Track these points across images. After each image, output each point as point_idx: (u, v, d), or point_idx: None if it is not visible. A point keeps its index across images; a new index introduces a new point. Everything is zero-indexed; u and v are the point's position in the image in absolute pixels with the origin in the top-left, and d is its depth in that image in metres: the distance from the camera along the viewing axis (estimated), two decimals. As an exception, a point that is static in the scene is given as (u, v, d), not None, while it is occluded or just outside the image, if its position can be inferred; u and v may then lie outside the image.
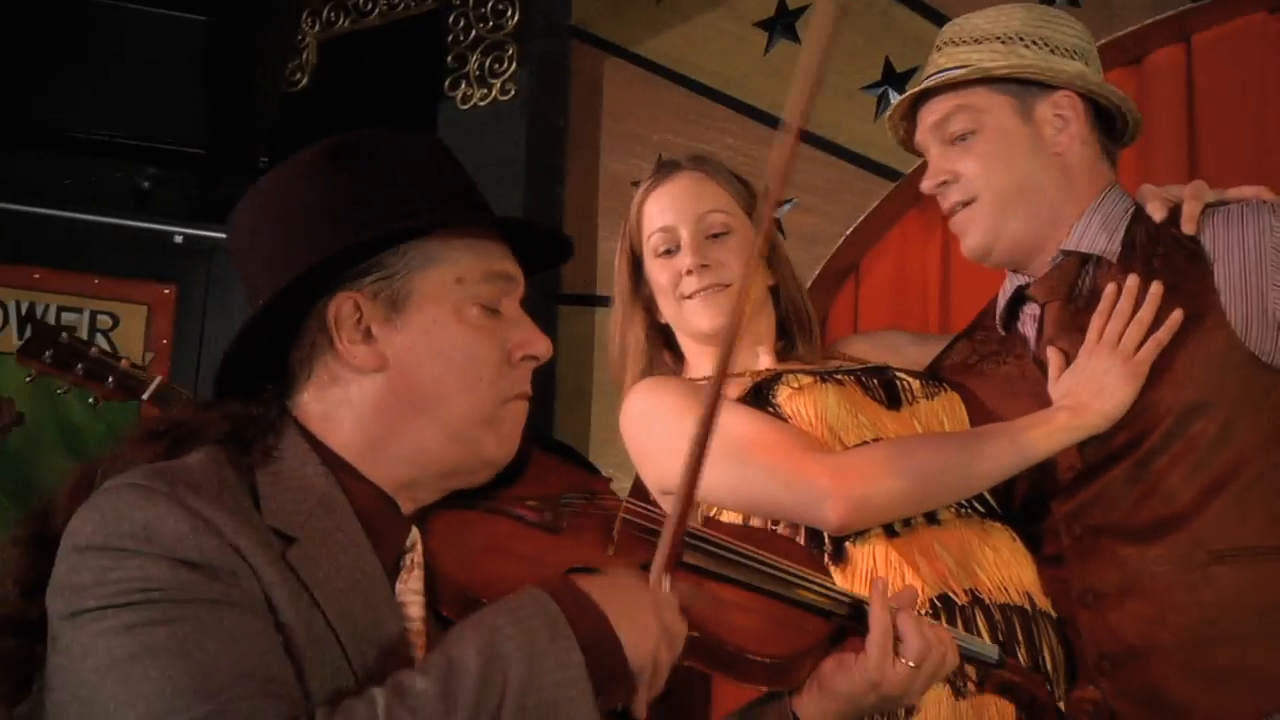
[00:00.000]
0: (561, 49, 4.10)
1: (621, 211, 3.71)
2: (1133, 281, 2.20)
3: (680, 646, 1.54)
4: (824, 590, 1.76)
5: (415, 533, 1.56)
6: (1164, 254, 2.27)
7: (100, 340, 4.19)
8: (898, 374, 2.35)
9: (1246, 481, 2.15)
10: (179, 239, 4.26)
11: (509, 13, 4.06)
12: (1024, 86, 2.29)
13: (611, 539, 1.71)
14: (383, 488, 1.53)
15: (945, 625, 1.94)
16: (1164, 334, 2.15)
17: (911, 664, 1.72)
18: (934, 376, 2.40)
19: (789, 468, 2.15)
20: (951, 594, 2.09)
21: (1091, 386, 2.18)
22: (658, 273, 2.42)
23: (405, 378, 1.53)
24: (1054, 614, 2.16)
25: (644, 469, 2.33)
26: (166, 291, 4.25)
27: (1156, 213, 2.30)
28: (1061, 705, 2.13)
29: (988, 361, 2.40)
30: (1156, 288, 2.18)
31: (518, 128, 3.97)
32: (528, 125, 3.96)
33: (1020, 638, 2.11)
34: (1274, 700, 2.09)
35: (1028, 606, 2.13)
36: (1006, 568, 2.16)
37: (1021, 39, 2.32)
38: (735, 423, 2.15)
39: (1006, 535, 2.20)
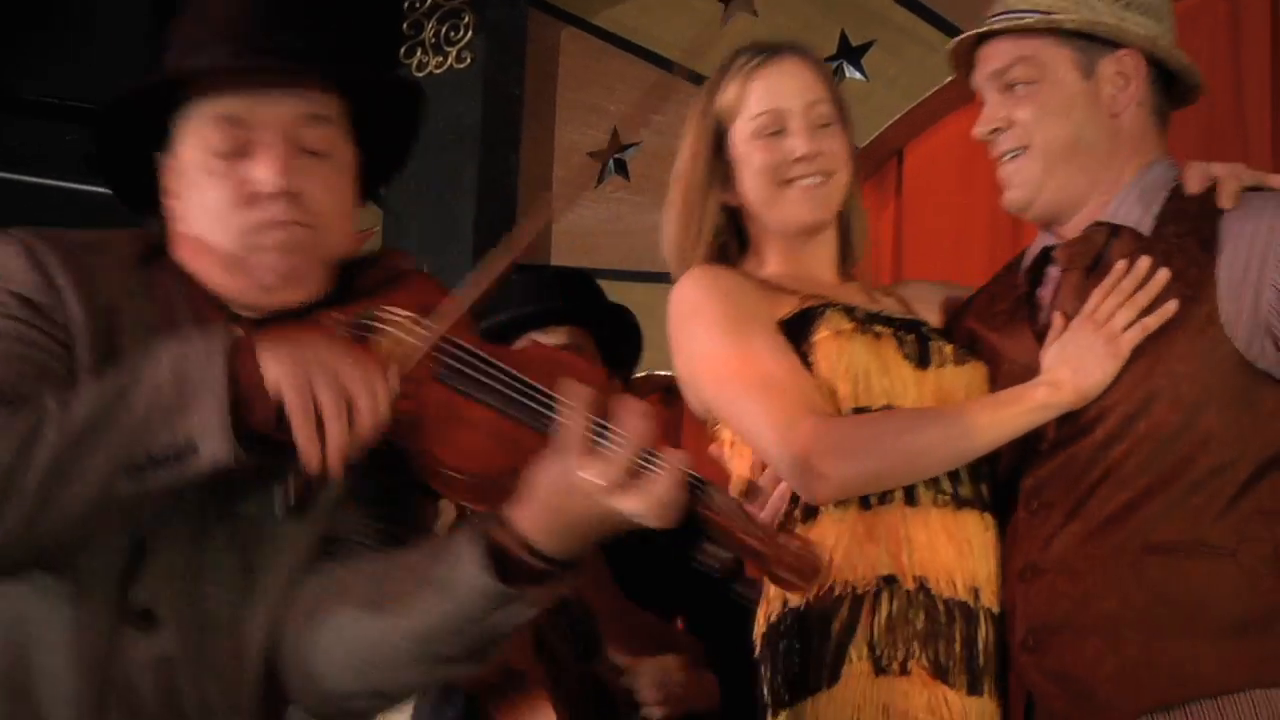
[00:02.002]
0: (518, 17, 4.08)
1: (576, 180, 3.87)
2: (1143, 263, 2.12)
3: (377, 401, 1.53)
4: (552, 404, 1.67)
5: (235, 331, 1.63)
6: (1181, 235, 2.19)
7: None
8: (934, 334, 2.29)
9: (1197, 478, 2.10)
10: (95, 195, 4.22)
11: None
12: (1090, 41, 2.18)
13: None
14: (218, 296, 1.66)
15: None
16: (1153, 321, 2.08)
17: (607, 464, 1.61)
18: (966, 344, 2.34)
19: (784, 428, 2.11)
20: (899, 577, 2.08)
21: (1072, 363, 2.14)
22: (757, 153, 2.29)
23: (183, 223, 1.65)
24: (996, 611, 2.14)
25: (675, 361, 2.27)
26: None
27: (1193, 185, 2.21)
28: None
29: (998, 319, 2.34)
30: (1162, 274, 2.11)
31: (473, 96, 3.94)
32: (483, 93, 3.94)
33: (959, 634, 2.11)
34: (1175, 693, 2.03)
35: (971, 602, 2.12)
36: (962, 560, 2.13)
37: None
38: (756, 354, 2.15)
39: (980, 525, 2.18)
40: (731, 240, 2.38)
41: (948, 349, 2.25)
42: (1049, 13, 2.18)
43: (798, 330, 2.19)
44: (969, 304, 2.40)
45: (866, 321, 2.22)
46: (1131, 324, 2.11)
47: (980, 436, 2.15)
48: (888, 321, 2.27)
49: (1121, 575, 2.09)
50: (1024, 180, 2.23)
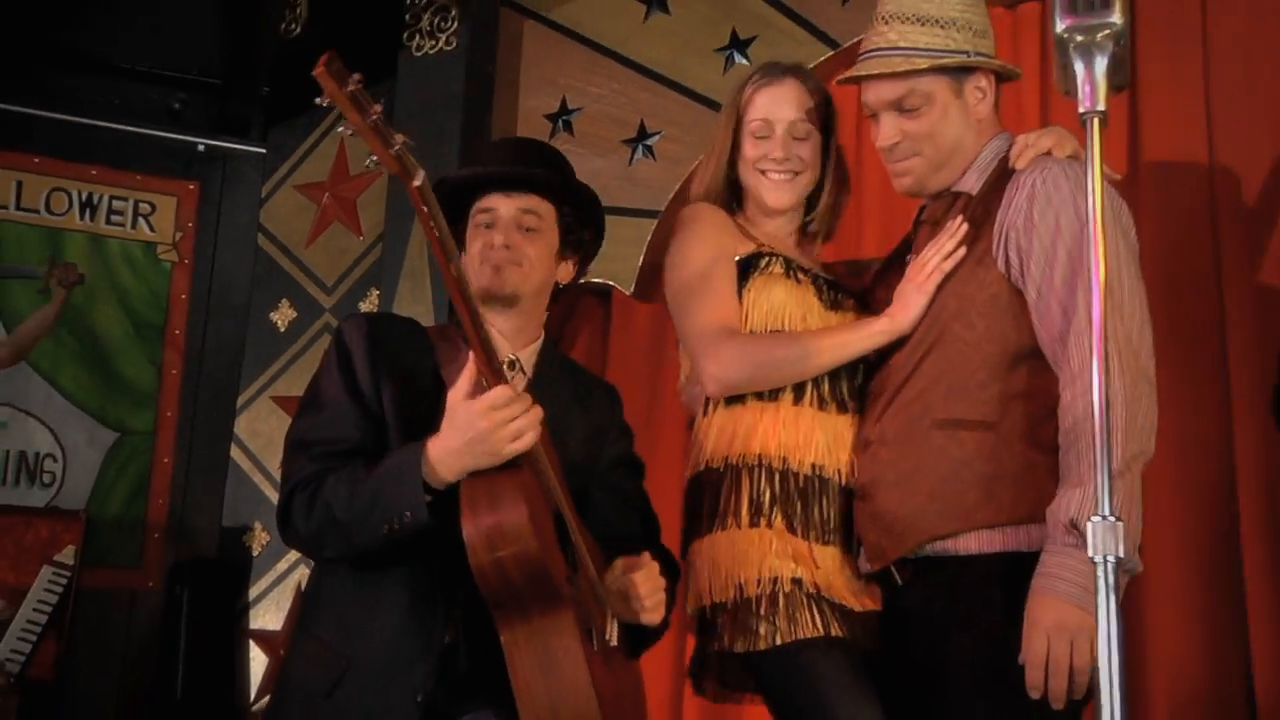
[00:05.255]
0: (492, 12, 4.19)
1: (532, 135, 3.86)
2: (957, 222, 2.27)
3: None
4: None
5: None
6: (989, 193, 2.30)
7: (141, 224, 4.39)
8: (843, 289, 2.46)
9: (970, 369, 2.22)
10: (201, 148, 4.51)
11: None
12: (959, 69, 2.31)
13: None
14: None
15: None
16: (947, 264, 2.25)
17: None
18: (866, 297, 2.48)
19: (709, 338, 2.31)
20: (768, 457, 2.27)
21: (901, 299, 2.28)
22: (750, 147, 2.48)
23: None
24: (845, 485, 2.30)
25: (665, 269, 2.46)
26: (191, 187, 4.50)
27: (1014, 154, 2.31)
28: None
29: (884, 272, 2.51)
30: (963, 228, 2.26)
31: (457, 72, 4.05)
32: (465, 70, 4.05)
33: (812, 500, 2.27)
34: (946, 527, 2.17)
35: (825, 477, 2.29)
36: (822, 445, 2.30)
37: (955, 24, 2.30)
38: (710, 273, 2.35)
39: (844, 422, 2.33)
40: (731, 196, 2.52)
41: (850, 301, 2.43)
42: (930, 50, 2.27)
43: (746, 267, 2.36)
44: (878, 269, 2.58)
45: (794, 270, 2.37)
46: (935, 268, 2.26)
47: (830, 353, 2.30)
48: (813, 276, 2.40)
49: (916, 443, 2.23)
50: (916, 175, 2.34)
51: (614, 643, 2.16)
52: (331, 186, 4.44)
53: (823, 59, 3.63)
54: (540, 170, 2.26)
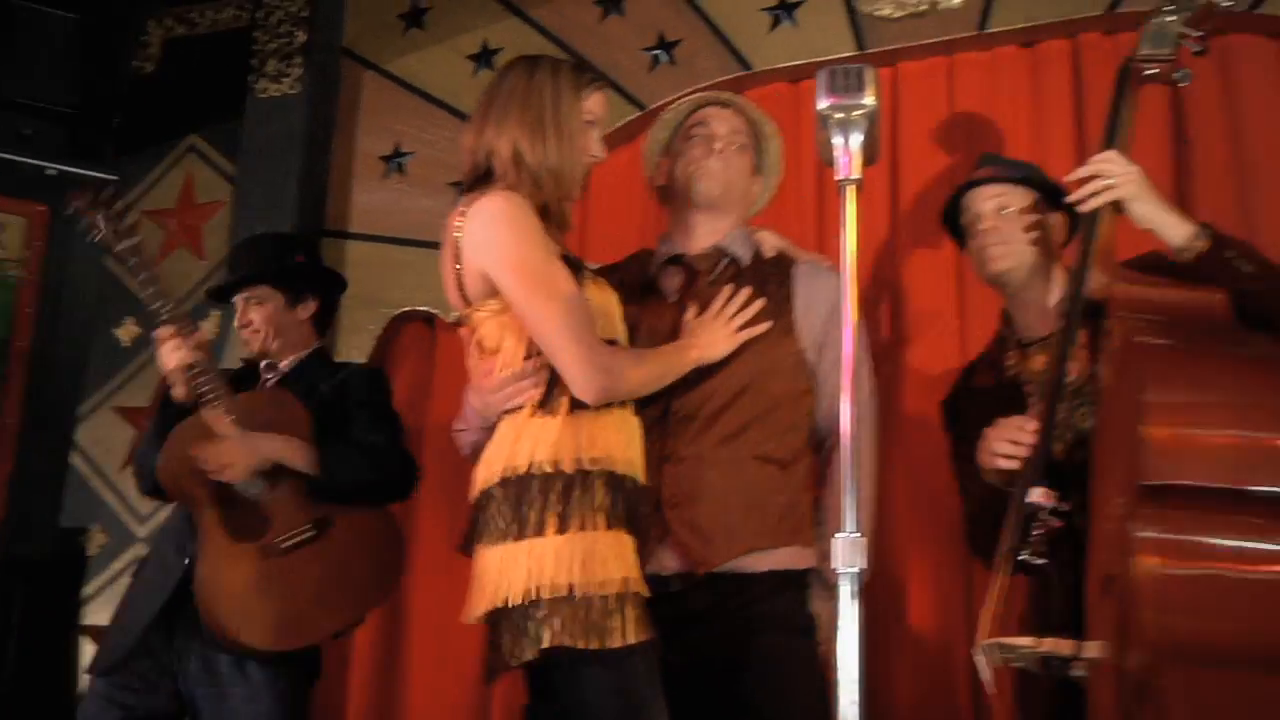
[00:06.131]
0: (334, 62, 4.31)
1: (368, 175, 4.16)
2: (746, 292, 2.50)
3: None
4: None
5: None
6: (766, 273, 2.55)
7: (-8, 239, 4.38)
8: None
9: (777, 417, 2.48)
10: (51, 172, 4.53)
11: (298, 33, 4.26)
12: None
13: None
14: None
15: None
16: (759, 330, 2.49)
17: None
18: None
19: (584, 347, 2.22)
20: (584, 459, 2.21)
21: (710, 338, 2.46)
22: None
23: None
24: (642, 482, 2.30)
25: (488, 250, 2.25)
26: (40, 209, 4.51)
27: (767, 249, 2.63)
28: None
29: (632, 289, 2.58)
30: (760, 302, 2.50)
31: (300, 115, 4.17)
32: (307, 112, 4.17)
33: (629, 496, 2.25)
34: (755, 544, 2.40)
35: (632, 476, 2.27)
36: (629, 448, 2.30)
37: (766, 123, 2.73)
38: (558, 274, 2.24)
39: (637, 425, 2.35)
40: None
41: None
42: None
43: (576, 273, 2.30)
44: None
45: (597, 274, 2.43)
46: (743, 326, 2.46)
47: (673, 375, 2.41)
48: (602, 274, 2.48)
49: (734, 468, 2.44)
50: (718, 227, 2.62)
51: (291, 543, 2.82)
52: (178, 213, 4.47)
53: (631, 118, 3.88)
54: (245, 270, 3.17)
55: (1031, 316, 2.58)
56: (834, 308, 2.46)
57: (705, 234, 2.66)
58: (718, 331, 2.48)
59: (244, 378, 3.16)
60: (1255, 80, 3.34)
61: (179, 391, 2.89)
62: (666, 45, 3.93)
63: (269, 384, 3.13)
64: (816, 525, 2.51)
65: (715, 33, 3.88)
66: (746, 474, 2.47)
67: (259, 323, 3.14)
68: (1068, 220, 2.61)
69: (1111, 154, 2.36)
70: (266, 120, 4.20)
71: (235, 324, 3.19)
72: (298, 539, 2.84)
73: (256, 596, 2.77)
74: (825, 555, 2.38)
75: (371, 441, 3.01)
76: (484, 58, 4.14)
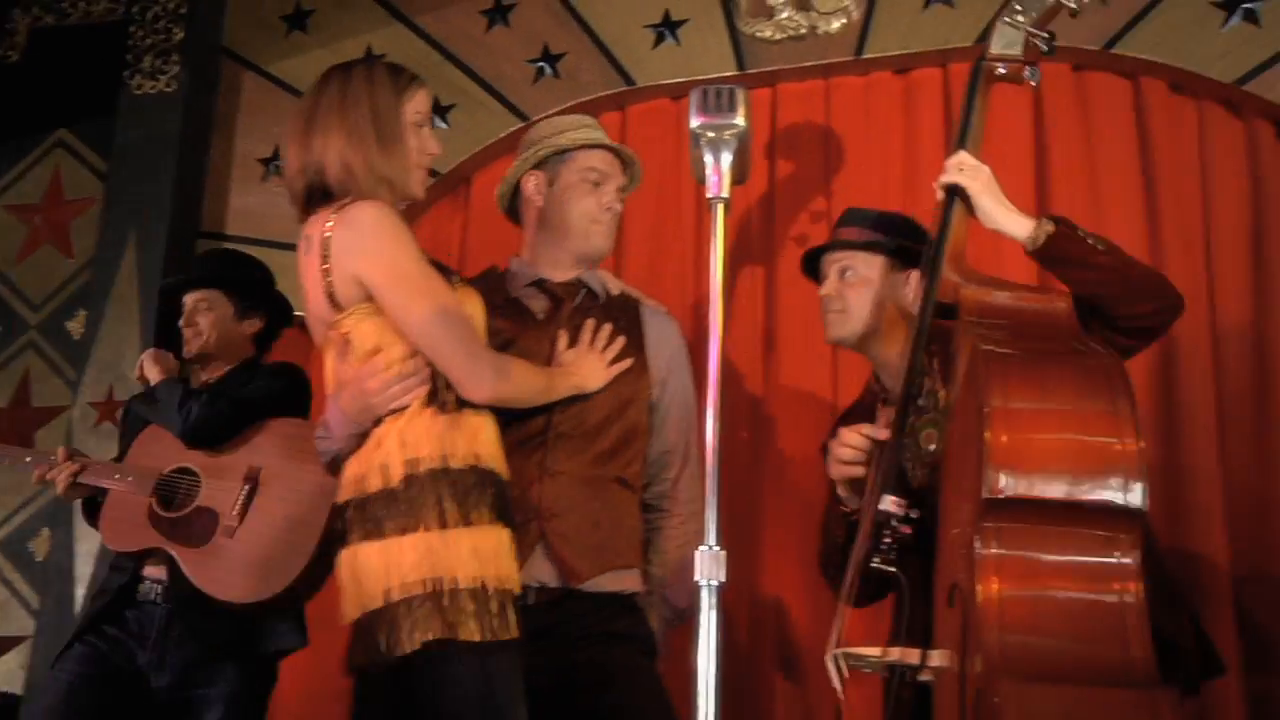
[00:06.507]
0: (213, 60, 4.28)
1: (247, 178, 4.12)
2: (609, 326, 2.61)
3: None
4: None
5: None
6: (619, 311, 2.68)
7: None
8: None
9: (634, 444, 2.61)
10: None
11: (175, 30, 4.22)
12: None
13: None
14: None
15: None
16: (624, 365, 2.59)
17: None
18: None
19: (474, 348, 2.27)
20: (457, 457, 2.22)
21: (589, 370, 2.55)
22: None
23: None
24: (507, 478, 2.30)
25: (371, 260, 2.24)
26: None
27: (613, 287, 2.75)
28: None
29: (498, 307, 2.60)
30: (622, 339, 2.60)
31: (176, 113, 4.13)
32: (184, 111, 4.13)
33: (507, 495, 2.27)
34: (619, 561, 2.51)
35: (500, 474, 2.29)
36: (497, 448, 2.31)
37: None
38: (441, 290, 2.26)
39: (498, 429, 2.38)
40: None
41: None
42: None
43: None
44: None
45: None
46: (613, 360, 2.57)
47: (557, 394, 2.49)
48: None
49: (599, 490, 2.55)
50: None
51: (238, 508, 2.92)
52: (44, 209, 4.40)
53: (514, 129, 3.90)
54: (202, 273, 3.25)
55: (890, 376, 2.60)
56: (674, 351, 2.72)
57: (570, 267, 2.74)
58: (594, 364, 2.57)
59: (147, 400, 3.20)
60: (1108, 113, 3.48)
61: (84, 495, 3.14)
62: (551, 58, 3.97)
63: (161, 404, 3.14)
64: (657, 551, 2.66)
65: (599, 47, 3.92)
66: (611, 495, 2.58)
67: (204, 326, 3.20)
68: (924, 276, 2.59)
69: (962, 155, 2.41)
70: (141, 118, 4.14)
71: (180, 322, 3.22)
72: (242, 502, 2.96)
73: (242, 568, 2.88)
74: (663, 580, 2.60)
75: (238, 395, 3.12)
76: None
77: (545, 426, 2.54)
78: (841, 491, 2.50)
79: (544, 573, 2.47)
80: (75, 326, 4.17)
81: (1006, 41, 2.44)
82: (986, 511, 1.90)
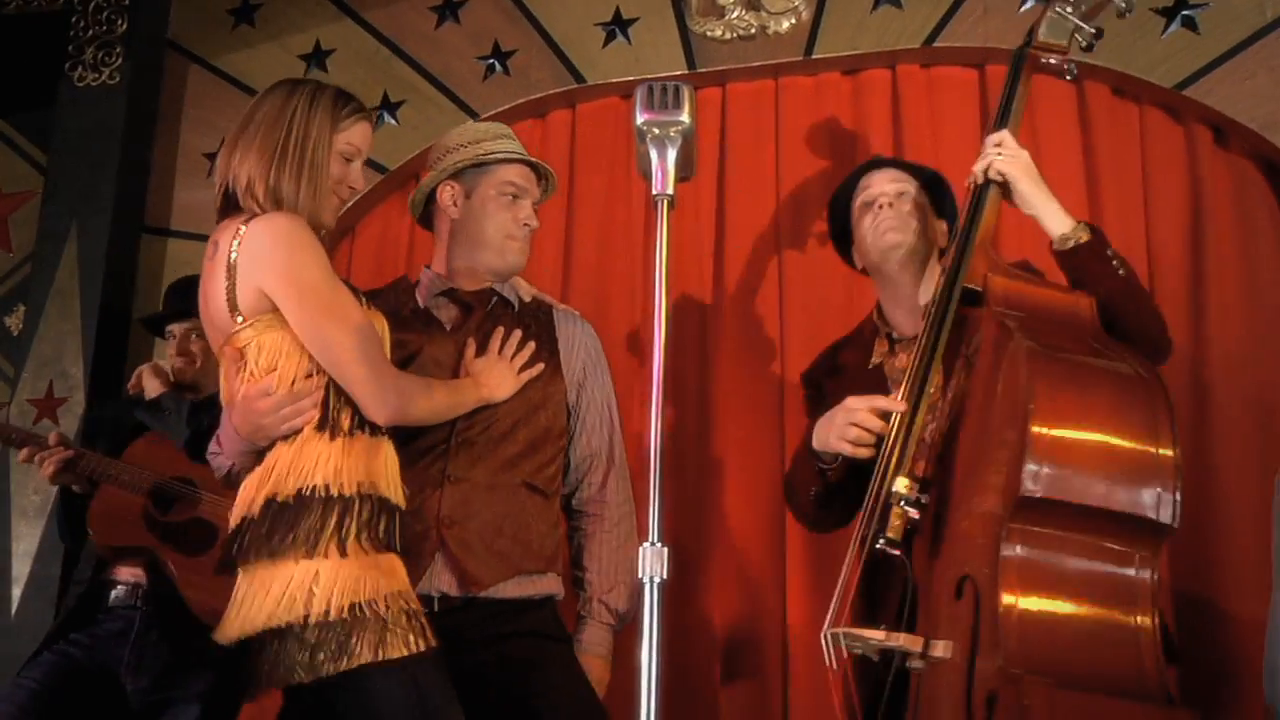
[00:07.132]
0: (158, 52, 4.22)
1: (192, 172, 4.07)
2: (517, 334, 2.61)
3: None
4: None
5: None
6: (532, 317, 2.69)
7: None
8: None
9: (545, 448, 2.60)
10: None
11: (119, 22, 4.15)
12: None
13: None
14: None
15: None
16: (535, 372, 2.61)
17: None
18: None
19: (381, 368, 2.25)
20: (343, 483, 2.19)
21: (497, 379, 2.54)
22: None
23: None
24: (401, 504, 2.28)
25: (277, 271, 2.21)
26: None
27: (525, 293, 2.77)
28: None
29: (404, 317, 2.64)
30: (532, 345, 2.62)
31: (119, 105, 4.06)
32: (126, 104, 4.06)
33: (382, 519, 2.21)
34: (523, 568, 2.50)
35: (391, 499, 2.25)
36: (389, 472, 2.28)
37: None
38: (351, 308, 2.25)
39: (390, 450, 2.33)
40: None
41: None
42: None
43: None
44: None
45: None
46: (523, 366, 2.58)
47: (462, 409, 2.48)
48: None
49: (505, 495, 2.53)
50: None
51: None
52: None
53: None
54: (185, 304, 3.13)
55: (902, 313, 2.61)
56: (589, 354, 2.75)
57: (483, 278, 2.73)
58: (503, 373, 2.56)
59: (152, 409, 3.21)
60: (1053, 117, 3.51)
61: (73, 486, 3.13)
62: (501, 55, 3.96)
63: (169, 414, 3.15)
64: (592, 557, 2.70)
65: (550, 45, 3.92)
66: (518, 500, 2.55)
67: (198, 353, 3.27)
68: (949, 230, 2.67)
69: (1004, 134, 2.41)
70: (83, 110, 4.07)
71: (170, 351, 3.30)
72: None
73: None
74: (600, 585, 2.62)
75: None
76: (316, 58, 4.13)
77: (449, 435, 2.53)
78: (849, 451, 2.36)
79: (444, 582, 2.46)
80: (14, 322, 4.11)
81: (1054, 31, 2.47)
82: (1017, 511, 1.91)
